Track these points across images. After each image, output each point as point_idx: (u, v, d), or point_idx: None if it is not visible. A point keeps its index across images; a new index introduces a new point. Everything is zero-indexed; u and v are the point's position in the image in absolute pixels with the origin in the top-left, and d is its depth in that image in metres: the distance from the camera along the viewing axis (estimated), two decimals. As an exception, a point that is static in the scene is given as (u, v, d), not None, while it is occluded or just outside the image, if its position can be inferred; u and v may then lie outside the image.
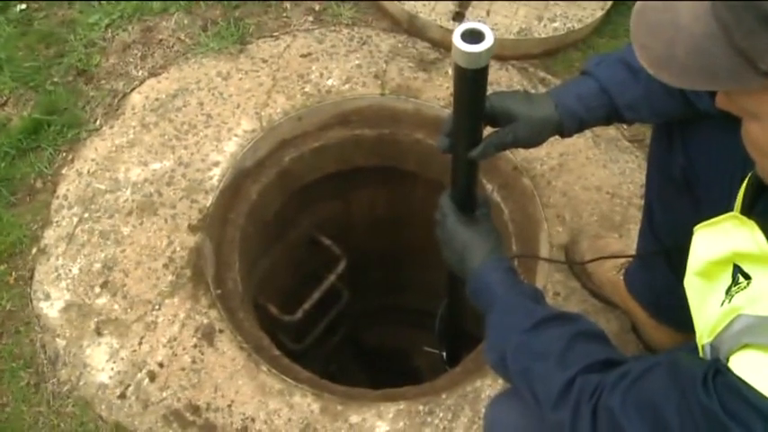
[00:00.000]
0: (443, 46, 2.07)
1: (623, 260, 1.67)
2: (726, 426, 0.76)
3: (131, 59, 2.09)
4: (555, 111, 1.20)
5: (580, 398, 0.99)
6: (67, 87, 2.04)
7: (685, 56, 0.72)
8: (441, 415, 1.61)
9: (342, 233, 2.52)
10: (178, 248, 1.81)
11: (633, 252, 1.60)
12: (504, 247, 1.31)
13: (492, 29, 1.02)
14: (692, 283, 1.08)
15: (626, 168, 1.92)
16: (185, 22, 2.18)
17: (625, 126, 1.96)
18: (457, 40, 1.00)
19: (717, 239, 1.00)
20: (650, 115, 1.21)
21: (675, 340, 1.58)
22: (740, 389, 0.76)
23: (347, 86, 2.05)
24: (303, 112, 2.01)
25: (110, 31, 2.14)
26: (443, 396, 1.64)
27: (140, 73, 2.06)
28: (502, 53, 2.04)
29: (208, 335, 1.72)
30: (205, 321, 1.73)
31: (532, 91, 1.95)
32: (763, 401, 0.73)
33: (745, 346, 0.80)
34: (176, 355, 1.68)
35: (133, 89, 2.03)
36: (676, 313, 1.04)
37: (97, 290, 1.75)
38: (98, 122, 1.98)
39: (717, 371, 0.81)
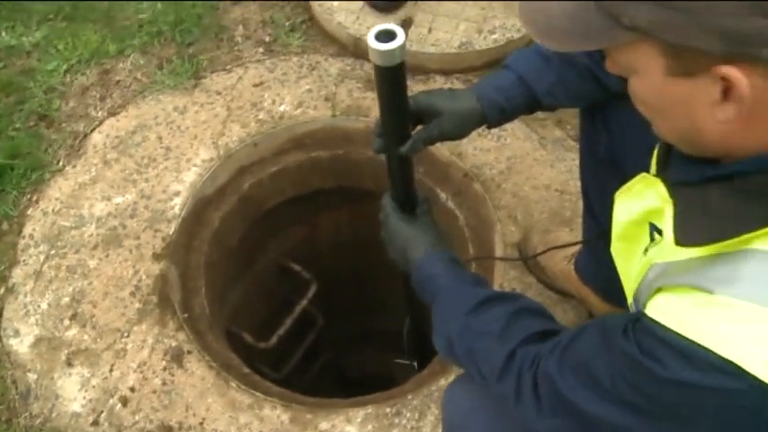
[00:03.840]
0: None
1: (573, 250, 1.73)
2: (642, 364, 0.80)
3: (90, 101, 2.17)
4: (477, 103, 1.27)
5: (521, 368, 1.03)
6: (29, 132, 2.11)
7: (563, 23, 0.79)
8: (408, 415, 1.65)
9: (311, 258, 2.57)
10: (144, 277, 1.86)
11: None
12: (445, 240, 1.35)
13: (406, 33, 1.09)
14: (616, 249, 1.14)
15: (572, 166, 1.99)
16: (141, 62, 2.26)
17: (567, 128, 2.04)
18: (372, 41, 1.06)
19: (632, 202, 1.06)
20: (567, 99, 1.29)
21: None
22: (653, 329, 0.80)
23: (299, 111, 2.13)
24: (258, 139, 2.08)
25: (68, 76, 2.22)
26: (409, 397, 1.68)
27: (100, 113, 2.13)
28: (445, 67, 2.13)
29: (177, 357, 1.75)
30: (174, 344, 1.76)
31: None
32: (671, 335, 0.78)
33: (657, 290, 0.85)
34: (147, 378, 1.72)
35: (93, 129, 2.10)
36: (627, 294, 1.09)
37: (66, 322, 1.79)
38: (61, 163, 2.04)
39: (636, 320, 0.85)
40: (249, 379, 1.80)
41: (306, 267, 2.48)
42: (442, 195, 2.05)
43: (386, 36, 1.07)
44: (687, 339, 0.76)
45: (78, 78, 2.22)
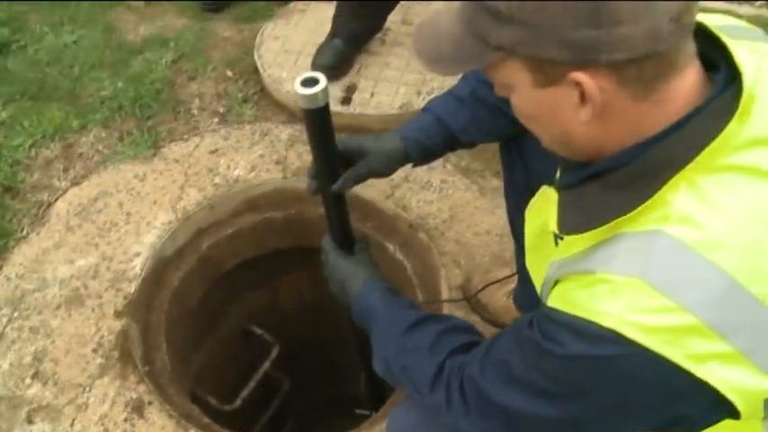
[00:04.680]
0: (336, 128, 2.30)
1: (513, 286, 1.84)
2: (543, 347, 0.89)
3: (54, 173, 2.28)
4: (400, 143, 1.41)
5: (450, 376, 1.10)
6: (-5, 204, 2.21)
7: (448, 50, 0.93)
8: (361, 452, 1.72)
9: (275, 323, 2.63)
10: (106, 333, 1.93)
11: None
12: (381, 273, 1.44)
13: (326, 81, 1.20)
14: (529, 261, 1.25)
15: (510, 213, 2.13)
16: (103, 135, 2.40)
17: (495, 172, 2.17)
18: (298, 88, 1.18)
19: (537, 214, 1.18)
20: (482, 135, 1.43)
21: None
22: (551, 315, 0.90)
23: (252, 174, 2.26)
24: (214, 201, 2.20)
25: (33, 150, 2.35)
26: (363, 435, 1.76)
27: (63, 184, 2.25)
28: (388, 127, 2.26)
29: (137, 408, 1.81)
30: (134, 396, 1.82)
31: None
32: (564, 316, 0.87)
33: (555, 283, 0.96)
34: (108, 430, 1.76)
35: (57, 198, 2.21)
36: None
37: (28, 381, 1.85)
38: (25, 231, 2.13)
39: (540, 312, 0.94)
40: (210, 428, 1.86)
41: (270, 332, 2.54)
42: (390, 247, 2.16)
43: (310, 82, 1.19)
44: (577, 317, 0.85)
45: (43, 152, 2.35)
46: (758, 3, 3.41)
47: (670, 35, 0.78)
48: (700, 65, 0.86)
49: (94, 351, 1.90)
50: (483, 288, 1.81)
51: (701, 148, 0.82)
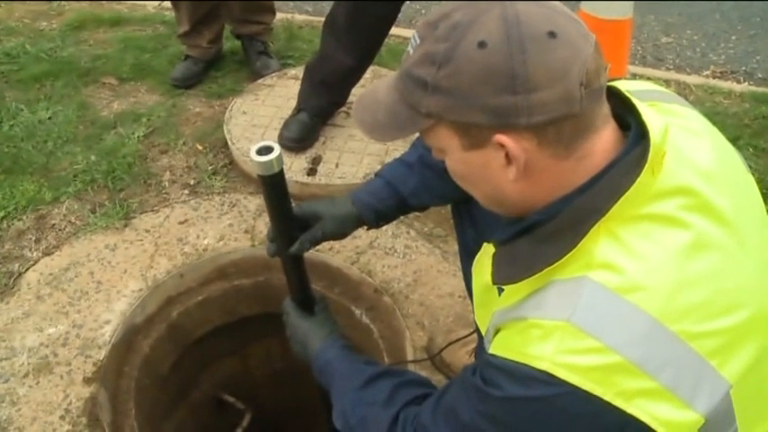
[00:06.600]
0: (301, 198, 2.39)
1: (475, 345, 1.90)
2: (485, 392, 0.95)
3: (26, 244, 2.33)
4: (353, 206, 1.49)
5: (405, 426, 1.15)
6: (-37, 277, 2.24)
7: (384, 118, 1.01)
8: None
9: (246, 391, 2.65)
10: (74, 400, 1.94)
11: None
12: (340, 331, 1.50)
13: (281, 151, 1.27)
14: (478, 316, 1.32)
15: (472, 276, 2.20)
16: (75, 207, 2.45)
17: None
18: (253, 155, 1.26)
19: (480, 271, 1.26)
20: (431, 198, 1.51)
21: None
22: (491, 361, 0.95)
23: (221, 243, 2.32)
24: (184, 269, 2.25)
25: (5, 222, 2.39)
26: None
27: (35, 254, 2.29)
28: (353, 196, 2.37)
29: (105, 474, 1.82)
30: (102, 462, 1.83)
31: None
32: (501, 361, 0.93)
33: (496, 331, 1.03)
34: (74, 497, 1.77)
35: (28, 268, 2.25)
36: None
37: (-8, 450, 1.85)
38: (-6, 301, 2.17)
39: (483, 360, 1.00)
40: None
41: (241, 399, 2.55)
42: (357, 312, 2.22)
43: (266, 151, 1.26)
44: (512, 361, 0.91)
45: (15, 224, 2.39)
46: (705, 72, 3.63)
47: (582, 98, 0.88)
48: (615, 124, 0.96)
49: (62, 418, 1.91)
50: (445, 347, 1.87)
51: (618, 198, 0.90)
